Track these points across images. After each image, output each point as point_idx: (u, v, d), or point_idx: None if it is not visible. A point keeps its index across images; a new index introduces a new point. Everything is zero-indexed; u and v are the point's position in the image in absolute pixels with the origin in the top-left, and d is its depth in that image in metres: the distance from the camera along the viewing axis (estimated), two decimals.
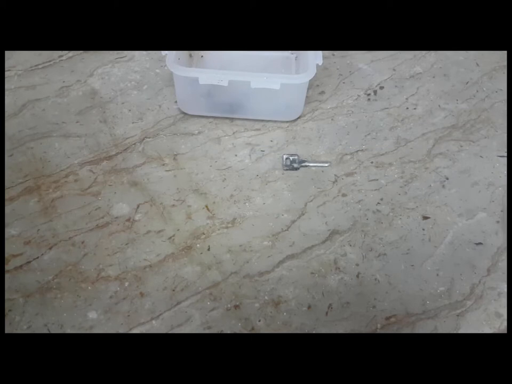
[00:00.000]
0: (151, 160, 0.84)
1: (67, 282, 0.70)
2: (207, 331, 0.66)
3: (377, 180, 0.83)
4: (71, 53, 1.00)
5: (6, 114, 0.89)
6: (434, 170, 0.85)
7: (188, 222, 0.77)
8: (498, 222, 0.79)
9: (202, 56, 0.97)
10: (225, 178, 0.82)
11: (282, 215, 0.78)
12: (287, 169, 0.84)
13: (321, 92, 0.97)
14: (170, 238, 0.75)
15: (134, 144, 0.86)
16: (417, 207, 0.80)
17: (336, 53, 1.04)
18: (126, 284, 0.70)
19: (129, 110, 0.91)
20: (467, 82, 0.99)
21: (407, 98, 0.96)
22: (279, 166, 0.85)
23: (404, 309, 0.69)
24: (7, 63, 0.97)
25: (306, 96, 0.88)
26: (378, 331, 0.67)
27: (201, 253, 0.74)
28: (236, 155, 0.86)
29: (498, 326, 0.68)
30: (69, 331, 0.66)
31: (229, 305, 0.69)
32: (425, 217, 0.79)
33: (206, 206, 0.79)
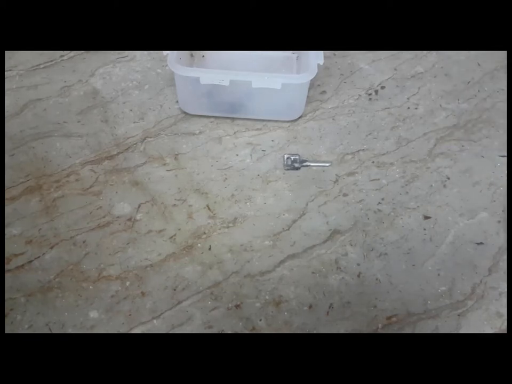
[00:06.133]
0: (152, 159, 0.84)
1: (68, 281, 0.70)
2: (208, 330, 0.66)
3: (378, 179, 0.83)
4: (72, 53, 1.01)
5: (8, 114, 0.89)
6: (435, 170, 0.85)
7: (189, 222, 0.77)
8: (499, 221, 0.78)
9: (203, 56, 0.97)
10: (226, 178, 0.82)
11: (283, 214, 0.78)
12: (288, 169, 0.84)
13: (322, 91, 0.97)
14: (171, 237, 0.75)
15: (135, 143, 0.86)
16: (418, 206, 0.80)
17: (337, 52, 1.04)
18: (127, 283, 0.70)
19: (131, 110, 0.91)
20: (468, 82, 0.99)
21: (408, 98, 0.96)
22: (280, 165, 0.85)
23: (405, 308, 0.69)
24: (9, 63, 0.97)
25: (308, 96, 0.88)
26: (379, 331, 0.67)
27: (202, 253, 0.74)
28: (237, 155, 0.86)
29: (500, 325, 0.68)
30: (70, 330, 0.66)
31: (230, 305, 0.69)
32: (426, 217, 0.79)
33: (207, 206, 0.79)
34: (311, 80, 0.82)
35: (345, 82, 0.98)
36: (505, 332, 0.67)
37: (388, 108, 0.94)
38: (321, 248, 0.75)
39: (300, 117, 0.91)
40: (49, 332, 0.65)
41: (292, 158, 0.85)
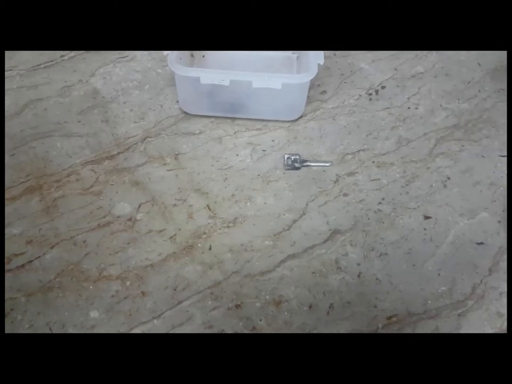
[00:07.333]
0: (152, 159, 0.84)
1: (69, 281, 0.70)
2: (208, 330, 0.66)
3: (378, 179, 0.83)
4: (72, 53, 1.01)
5: (8, 114, 0.89)
6: (435, 170, 0.85)
7: (189, 222, 0.77)
8: (499, 221, 0.78)
9: (203, 56, 0.97)
10: (226, 178, 0.82)
11: (284, 214, 0.78)
12: (288, 169, 0.84)
13: (322, 91, 0.97)
14: (171, 237, 0.75)
15: (136, 143, 0.86)
16: (418, 206, 0.80)
17: (338, 52, 1.04)
18: (128, 283, 0.70)
19: (131, 110, 0.91)
20: (469, 82, 0.99)
21: (408, 98, 0.96)
22: (281, 165, 0.85)
23: (405, 308, 0.69)
24: (9, 63, 0.97)
25: (308, 96, 0.88)
26: (379, 331, 0.67)
27: (203, 253, 0.74)
28: (237, 155, 0.86)
29: (500, 325, 0.68)
30: (70, 330, 0.66)
31: (230, 305, 0.69)
32: (426, 217, 0.79)
33: (208, 206, 0.79)
34: (311, 80, 0.82)
35: (345, 82, 0.98)
36: (505, 332, 0.67)
37: (388, 108, 0.94)
38: (322, 248, 0.75)
39: (300, 117, 0.91)
40: (49, 332, 0.65)
41: (292, 158, 0.85)
